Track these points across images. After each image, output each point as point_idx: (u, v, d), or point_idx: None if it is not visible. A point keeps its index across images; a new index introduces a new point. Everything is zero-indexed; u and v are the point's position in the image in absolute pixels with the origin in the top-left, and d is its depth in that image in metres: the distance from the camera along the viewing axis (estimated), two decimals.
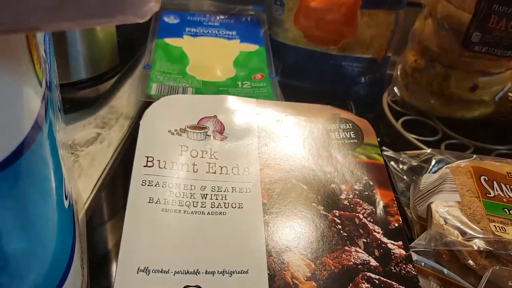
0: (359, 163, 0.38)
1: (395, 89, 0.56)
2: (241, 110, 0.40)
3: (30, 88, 0.19)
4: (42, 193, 0.22)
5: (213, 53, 0.53)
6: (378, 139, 0.41)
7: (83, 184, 0.41)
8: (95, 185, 0.41)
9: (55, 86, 0.28)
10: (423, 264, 0.33)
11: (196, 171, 0.34)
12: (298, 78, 0.59)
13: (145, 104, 0.51)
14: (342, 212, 0.34)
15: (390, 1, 0.54)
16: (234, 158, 0.36)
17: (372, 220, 0.34)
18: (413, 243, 0.35)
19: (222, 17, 0.59)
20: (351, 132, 0.40)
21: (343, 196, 0.36)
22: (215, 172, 0.35)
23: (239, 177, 0.35)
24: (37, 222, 0.22)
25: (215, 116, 0.38)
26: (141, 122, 0.37)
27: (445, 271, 0.33)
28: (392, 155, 0.45)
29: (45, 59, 0.23)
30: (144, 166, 0.33)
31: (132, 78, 0.57)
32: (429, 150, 0.44)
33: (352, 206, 0.35)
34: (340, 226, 0.34)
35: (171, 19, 0.56)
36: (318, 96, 0.58)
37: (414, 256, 0.33)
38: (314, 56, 0.56)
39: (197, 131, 0.37)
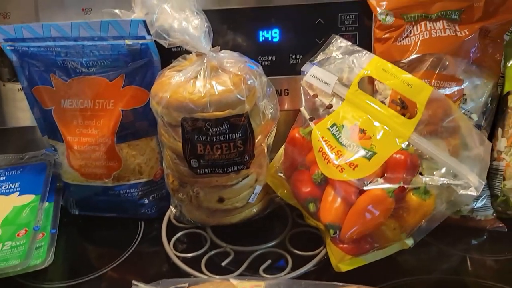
0: None
1: (171, 207, 0.59)
2: None
3: None
4: None
5: None
6: None
7: None
8: None
9: None
10: None
11: None
12: (92, 209, 0.63)
13: None
14: None
15: (144, 131, 0.58)
16: None
17: None
18: None
19: (8, 170, 0.62)
20: None
21: None
22: None
23: None
24: None
25: None
26: None
27: None
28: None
29: None
30: None
31: None
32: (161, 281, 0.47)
33: None
34: None
35: None
36: (114, 223, 0.62)
37: None
38: (95, 189, 0.60)
39: None
